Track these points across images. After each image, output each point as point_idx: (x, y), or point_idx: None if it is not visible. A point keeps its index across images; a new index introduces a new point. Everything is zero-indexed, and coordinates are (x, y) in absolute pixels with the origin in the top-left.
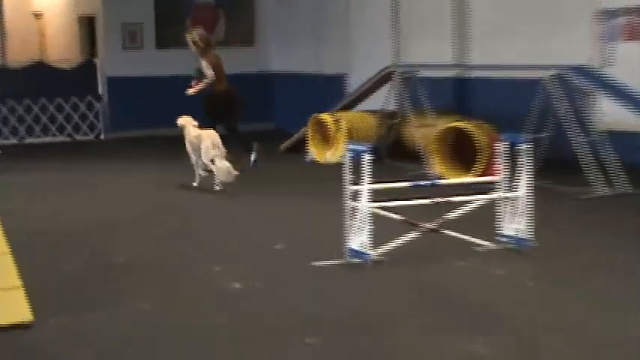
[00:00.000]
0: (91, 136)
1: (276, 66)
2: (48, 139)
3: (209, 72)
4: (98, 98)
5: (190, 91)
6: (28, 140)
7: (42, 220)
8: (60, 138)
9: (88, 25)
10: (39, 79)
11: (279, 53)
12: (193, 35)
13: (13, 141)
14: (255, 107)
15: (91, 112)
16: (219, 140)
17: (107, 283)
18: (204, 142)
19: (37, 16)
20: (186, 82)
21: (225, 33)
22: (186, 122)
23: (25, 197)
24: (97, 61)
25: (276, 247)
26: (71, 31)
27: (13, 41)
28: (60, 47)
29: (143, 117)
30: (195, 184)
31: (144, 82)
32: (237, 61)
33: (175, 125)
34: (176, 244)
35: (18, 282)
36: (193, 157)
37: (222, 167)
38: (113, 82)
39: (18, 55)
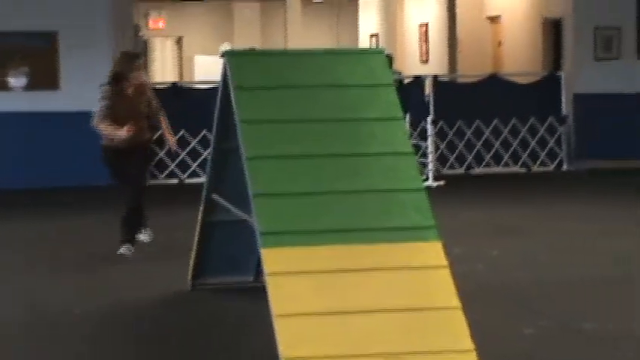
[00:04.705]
0: (551, 167)
1: None
2: (497, 169)
3: None
4: (562, 120)
5: None
6: (476, 171)
7: (492, 270)
8: (512, 168)
9: (552, 30)
10: (490, 97)
11: None
12: None
13: (459, 171)
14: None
15: (552, 137)
16: None
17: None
18: None
19: (493, 20)
20: None
21: None
22: None
23: (475, 238)
24: (562, 74)
25: None
26: (532, 38)
27: (464, 50)
28: (518, 58)
29: (618, 144)
30: None
31: (620, 100)
32: None
33: None
34: None
35: (470, 345)
36: None
37: None
38: (581, 100)
39: (469, 68)
